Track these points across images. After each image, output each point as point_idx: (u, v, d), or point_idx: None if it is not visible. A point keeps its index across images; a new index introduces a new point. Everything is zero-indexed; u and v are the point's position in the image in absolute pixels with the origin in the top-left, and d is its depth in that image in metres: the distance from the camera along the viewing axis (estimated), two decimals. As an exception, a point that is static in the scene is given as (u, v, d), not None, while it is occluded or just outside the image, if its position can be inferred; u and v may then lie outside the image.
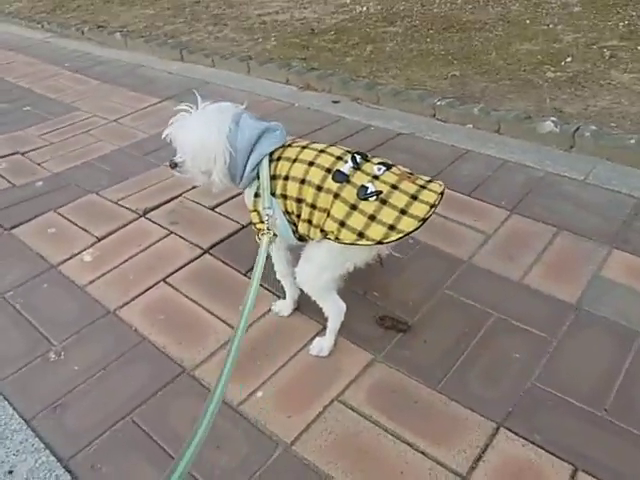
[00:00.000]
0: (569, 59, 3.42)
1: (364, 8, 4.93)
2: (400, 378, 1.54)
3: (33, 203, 2.44)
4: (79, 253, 2.09)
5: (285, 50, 4.16)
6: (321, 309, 1.60)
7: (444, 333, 1.67)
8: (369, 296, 1.83)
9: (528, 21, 4.11)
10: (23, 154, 2.95)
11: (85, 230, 2.22)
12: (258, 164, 1.50)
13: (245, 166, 1.50)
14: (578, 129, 2.59)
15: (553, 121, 2.66)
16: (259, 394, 1.51)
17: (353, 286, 1.83)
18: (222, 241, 2.11)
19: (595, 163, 2.47)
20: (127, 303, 1.84)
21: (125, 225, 2.24)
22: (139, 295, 1.87)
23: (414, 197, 1.36)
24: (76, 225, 2.25)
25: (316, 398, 1.49)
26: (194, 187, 2.47)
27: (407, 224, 1.33)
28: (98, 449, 1.39)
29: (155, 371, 1.59)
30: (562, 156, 2.56)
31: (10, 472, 1.35)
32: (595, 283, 1.81)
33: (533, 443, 1.34)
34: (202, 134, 1.48)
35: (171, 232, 2.17)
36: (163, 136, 1.55)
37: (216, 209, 2.31)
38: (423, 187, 1.40)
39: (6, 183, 2.64)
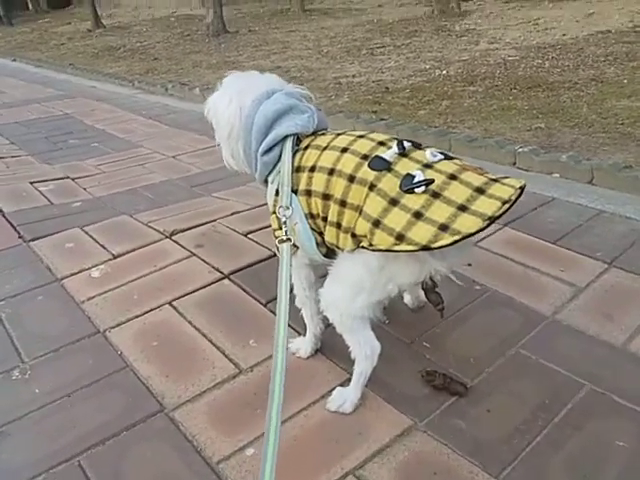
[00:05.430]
0: (677, 115, 2.97)
1: (444, 72, 4.77)
2: (447, 455, 1.09)
3: (63, 220, 2.28)
4: (89, 269, 1.85)
5: (357, 105, 4.01)
6: (349, 353, 1.21)
7: (515, 403, 1.22)
8: (416, 346, 1.41)
9: (626, 81, 3.73)
10: (73, 179, 2.87)
11: (103, 247, 1.99)
12: (275, 147, 1.20)
13: (259, 148, 1.21)
14: (695, 178, 2.12)
15: (662, 169, 2.21)
16: (249, 451, 1.11)
17: (396, 331, 1.44)
18: (247, 267, 1.79)
19: None
20: (121, 324, 1.54)
21: (147, 245, 1.99)
22: (137, 317, 1.57)
23: (480, 190, 0.99)
24: (96, 242, 2.04)
25: (325, 468, 1.08)
26: (233, 214, 2.22)
27: (467, 223, 0.95)
28: (25, 497, 1.04)
29: (128, 406, 1.25)
30: (674, 209, 2.07)
31: None
32: None
33: None
34: (218, 95, 1.29)
35: (193, 254, 1.89)
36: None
37: (249, 235, 2.01)
38: (494, 180, 1.03)
39: (45, 201, 2.53)
